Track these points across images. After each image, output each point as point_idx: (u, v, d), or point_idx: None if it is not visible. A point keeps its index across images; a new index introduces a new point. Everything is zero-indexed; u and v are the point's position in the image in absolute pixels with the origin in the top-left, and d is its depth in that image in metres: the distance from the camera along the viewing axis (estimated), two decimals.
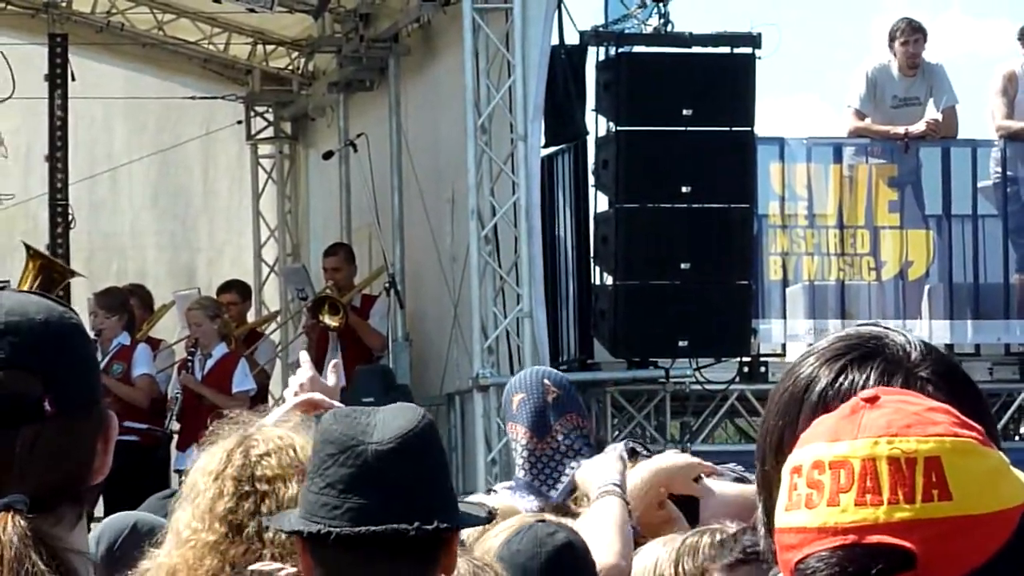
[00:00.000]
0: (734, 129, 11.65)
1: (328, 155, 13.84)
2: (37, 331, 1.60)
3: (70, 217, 14.14)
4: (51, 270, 12.30)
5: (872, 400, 1.21)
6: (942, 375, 1.49)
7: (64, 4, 14.97)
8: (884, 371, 1.49)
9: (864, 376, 1.47)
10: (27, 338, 1.59)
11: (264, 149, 15.34)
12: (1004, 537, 1.16)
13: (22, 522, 1.50)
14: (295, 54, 15.27)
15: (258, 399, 12.22)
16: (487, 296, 10.77)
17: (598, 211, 11.69)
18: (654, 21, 12.06)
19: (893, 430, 1.19)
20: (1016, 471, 1.21)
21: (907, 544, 1.15)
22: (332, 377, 4.52)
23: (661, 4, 12.06)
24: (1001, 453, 1.23)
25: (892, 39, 13.12)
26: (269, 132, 15.18)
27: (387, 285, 12.49)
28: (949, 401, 1.34)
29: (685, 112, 11.48)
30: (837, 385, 1.46)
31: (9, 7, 14.45)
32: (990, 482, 1.21)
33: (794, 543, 1.20)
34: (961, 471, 1.17)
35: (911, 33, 13.11)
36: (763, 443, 1.48)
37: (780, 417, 1.47)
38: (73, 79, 14.05)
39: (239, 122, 15.48)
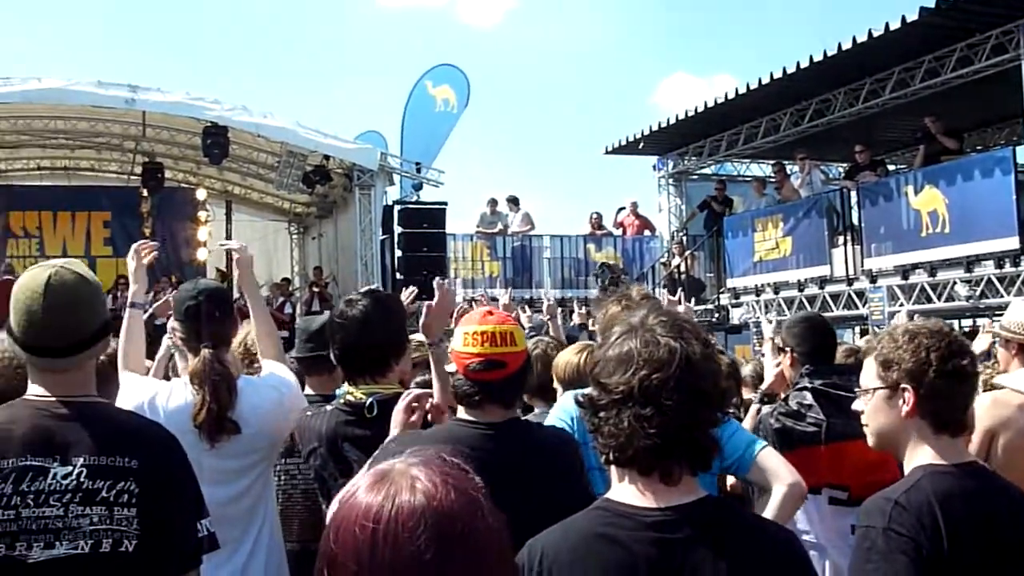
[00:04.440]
0: (436, 230, 18.92)
1: None
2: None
3: None
4: None
5: (491, 312, 3.00)
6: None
7: None
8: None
9: None
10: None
11: None
12: (526, 357, 3.03)
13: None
14: None
15: None
16: None
17: None
18: (414, 197, 20.15)
19: (500, 321, 2.96)
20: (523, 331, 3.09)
21: (505, 359, 2.91)
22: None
23: (418, 193, 20.16)
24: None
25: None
26: None
27: None
28: None
29: (424, 225, 18.84)
30: None
31: None
32: (520, 338, 2.98)
33: (469, 356, 2.88)
34: (517, 335, 2.97)
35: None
36: None
37: None
38: None
39: None
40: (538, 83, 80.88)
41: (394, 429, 3.17)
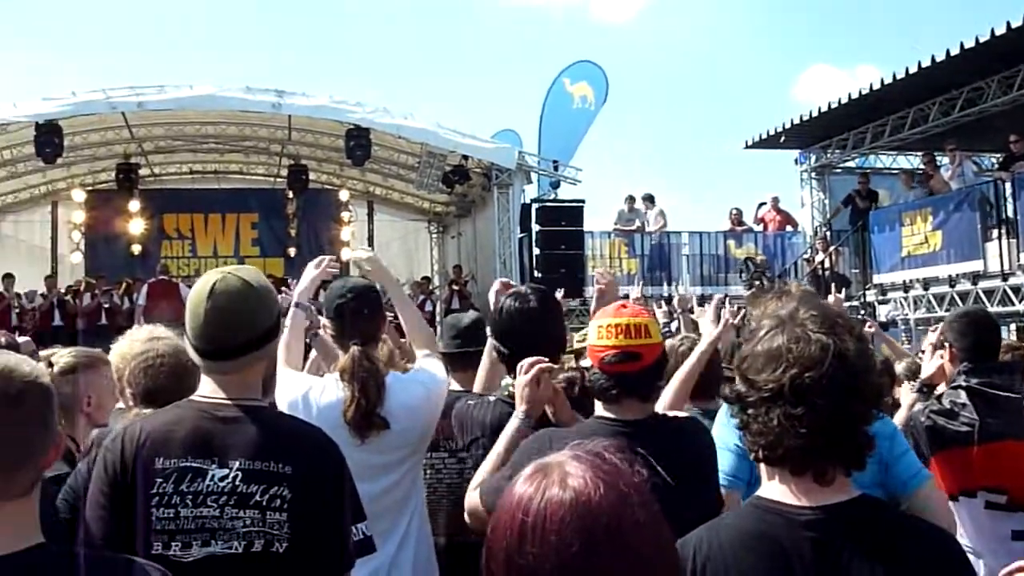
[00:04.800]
0: (573, 228, 19.11)
1: None
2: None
3: None
4: None
5: (624, 305, 2.95)
6: None
7: None
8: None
9: None
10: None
11: None
12: (662, 350, 2.98)
13: None
14: None
15: None
16: None
17: None
18: (552, 195, 20.37)
19: (635, 313, 2.92)
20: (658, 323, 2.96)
21: (640, 351, 2.85)
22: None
23: (556, 191, 20.45)
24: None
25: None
26: None
27: None
28: None
29: (562, 223, 18.77)
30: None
31: None
32: (655, 331, 2.91)
33: (603, 348, 2.87)
34: (651, 328, 2.90)
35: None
36: None
37: None
38: None
39: None
40: (674, 78, 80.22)
41: (520, 404, 3.23)
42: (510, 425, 3.24)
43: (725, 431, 3.49)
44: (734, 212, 21.96)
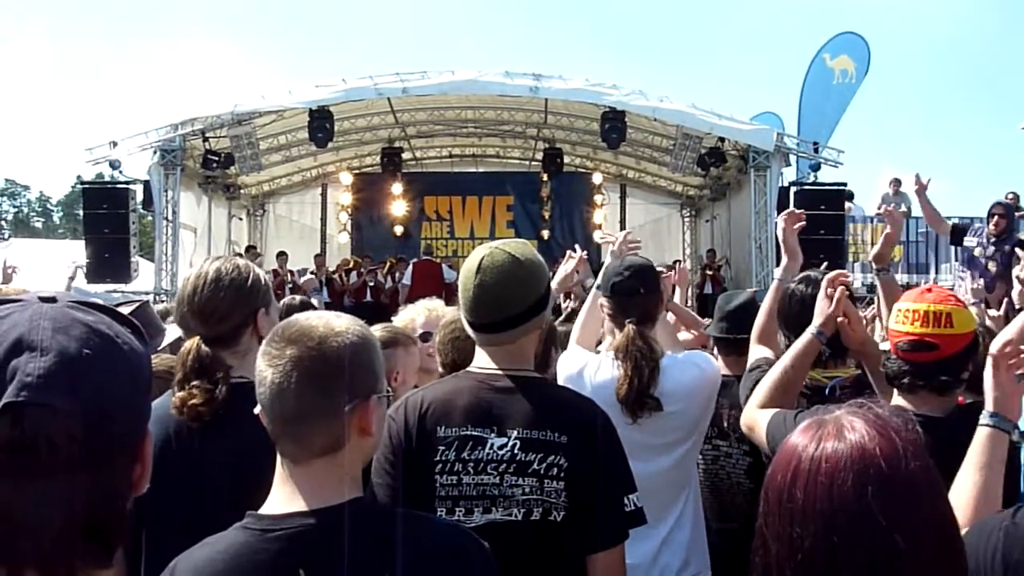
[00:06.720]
0: (834, 212, 18.08)
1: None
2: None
3: None
4: None
5: (929, 289, 2.79)
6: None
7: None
8: None
9: None
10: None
11: None
12: (967, 343, 2.75)
13: None
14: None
15: None
16: None
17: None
18: (811, 178, 18.95)
19: (938, 300, 2.72)
20: (970, 312, 2.65)
21: (937, 341, 2.70)
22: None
23: (816, 173, 19.03)
24: (969, 310, 2.65)
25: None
26: None
27: None
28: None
29: (822, 207, 17.73)
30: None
31: None
32: (962, 321, 2.70)
33: (899, 334, 2.78)
34: (956, 317, 2.69)
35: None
36: None
37: None
38: None
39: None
40: (945, 49, 75.76)
41: (817, 317, 3.24)
42: (802, 338, 3.24)
43: None
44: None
